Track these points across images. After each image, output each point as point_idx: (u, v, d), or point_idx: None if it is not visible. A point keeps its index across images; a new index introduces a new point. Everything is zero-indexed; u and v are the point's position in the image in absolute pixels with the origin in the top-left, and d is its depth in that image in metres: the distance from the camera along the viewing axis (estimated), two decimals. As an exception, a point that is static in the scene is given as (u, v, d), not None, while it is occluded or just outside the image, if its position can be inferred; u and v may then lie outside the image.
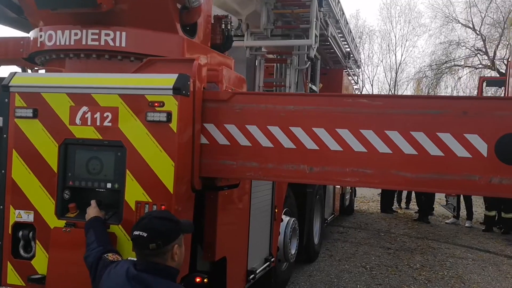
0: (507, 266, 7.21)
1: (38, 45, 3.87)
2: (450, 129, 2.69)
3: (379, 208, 12.58)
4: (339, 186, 9.52)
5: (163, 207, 2.78)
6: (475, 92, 16.00)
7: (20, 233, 3.06)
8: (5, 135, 3.07)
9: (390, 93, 30.11)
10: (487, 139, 2.64)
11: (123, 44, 3.60)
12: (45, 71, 3.98)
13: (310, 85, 7.45)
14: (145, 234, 2.16)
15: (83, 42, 3.65)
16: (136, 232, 2.18)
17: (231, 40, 4.54)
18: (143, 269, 2.17)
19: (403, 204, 13.33)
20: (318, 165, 2.90)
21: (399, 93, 30.23)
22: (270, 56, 7.43)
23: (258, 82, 6.78)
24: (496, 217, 10.20)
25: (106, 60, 3.68)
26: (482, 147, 2.65)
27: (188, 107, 2.92)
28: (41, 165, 3.00)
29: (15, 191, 3.03)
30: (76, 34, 3.67)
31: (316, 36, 6.44)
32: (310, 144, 2.89)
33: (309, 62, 7.11)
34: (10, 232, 3.06)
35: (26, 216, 2.99)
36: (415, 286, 5.97)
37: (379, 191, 13.12)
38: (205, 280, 2.93)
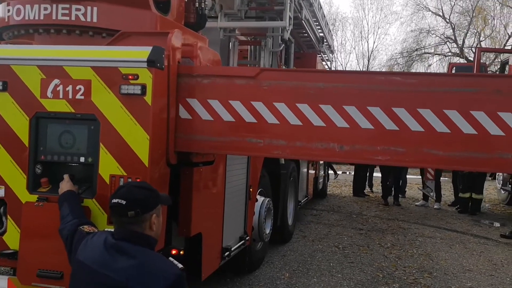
0: (473, 244, 7.46)
1: (6, 20, 3.77)
2: (483, 108, 2.69)
3: (352, 192, 12.79)
4: (313, 171, 9.63)
5: (138, 180, 2.77)
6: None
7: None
8: (-26, 109, 2.99)
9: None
10: None
11: (95, 20, 3.54)
12: (13, 46, 3.89)
13: (284, 68, 7.47)
14: (123, 202, 2.15)
15: (53, 17, 3.58)
16: (114, 200, 2.17)
17: (205, 19, 4.51)
18: (121, 237, 2.16)
19: (374, 189, 13.59)
20: (348, 143, 2.87)
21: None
22: (244, 38, 7.41)
23: (232, 64, 6.76)
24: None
25: (77, 36, 3.62)
26: None
27: (163, 81, 2.91)
28: (11, 139, 2.95)
29: (-15, 166, 2.96)
30: (45, 9, 3.60)
31: (290, 18, 6.44)
32: (340, 122, 2.86)
33: (283, 45, 7.11)
34: (-20, 208, 3.00)
35: (-2, 191, 2.94)
36: (385, 263, 6.12)
37: (351, 177, 13.36)
38: (181, 252, 2.94)
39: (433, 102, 2.76)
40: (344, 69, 34.30)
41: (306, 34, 8.67)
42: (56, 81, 2.89)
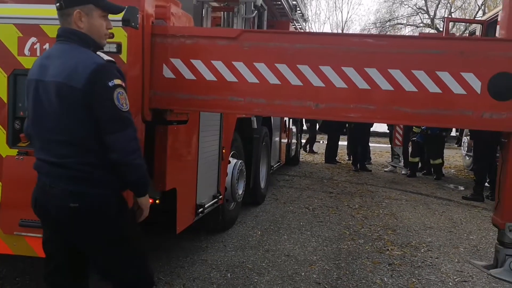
0: (435, 205, 7.87)
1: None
2: (448, 68, 2.85)
3: (324, 159, 13.13)
4: (285, 140, 9.86)
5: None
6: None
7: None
8: (-50, 66, 3.06)
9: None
10: (481, 78, 2.82)
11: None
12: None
13: (259, 33, 7.57)
14: None
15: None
16: None
17: (178, -17, 4.57)
18: (57, 34, 2.29)
19: (345, 156, 13.95)
20: (323, 101, 3.02)
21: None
22: (217, 4, 7.45)
23: (205, 30, 6.83)
24: (420, 164, 11.16)
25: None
26: (476, 84, 2.83)
27: (138, 40, 3.02)
28: (-10, 96, 3.04)
29: (-36, 122, 3.06)
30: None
31: (262, -16, 6.53)
32: (316, 82, 2.99)
33: (256, 12, 7.20)
34: (-41, 162, 3.11)
35: (-24, 146, 3.05)
36: (352, 222, 6.45)
37: (324, 146, 13.71)
38: (156, 202, 3.13)
39: (403, 63, 2.92)
40: (318, 39, 34.44)
41: (279, 2, 8.75)
42: (33, 39, 2.98)
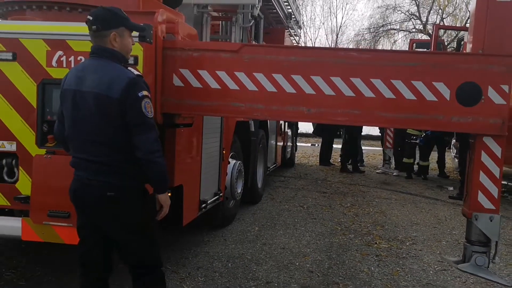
0: (423, 204, 8.32)
1: (2, -2, 4.21)
2: (422, 78, 3.27)
3: (318, 161, 13.56)
4: (281, 143, 10.29)
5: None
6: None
7: (4, 161, 3.52)
8: (-14, 76, 3.48)
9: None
10: (450, 86, 3.25)
11: (84, -2, 4.02)
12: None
13: (254, 42, 7.99)
14: (90, 18, 2.69)
15: (46, -5, 4.04)
16: (87, 17, 2.70)
17: (181, -2, 5.02)
18: (92, 51, 2.71)
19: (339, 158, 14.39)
20: (315, 107, 3.42)
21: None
22: (216, 14, 7.88)
23: (205, 38, 7.24)
24: (417, 166, 11.67)
25: (67, 13, 4.09)
26: (446, 92, 3.26)
27: (151, 53, 3.44)
28: (21, 102, 3.46)
29: (-2, 125, 3.48)
30: (39, -12, 4.05)
31: (259, -4, 6.96)
32: (308, 90, 3.39)
33: (253, 21, 7.62)
34: (-6, 160, 3.52)
35: (9, 146, 3.46)
36: (344, 219, 6.88)
37: (319, 149, 14.14)
38: (168, 194, 3.53)
39: (383, 74, 3.33)
40: (313, 43, 34.98)
41: (274, 11, 9.17)
42: (60, 52, 3.39)
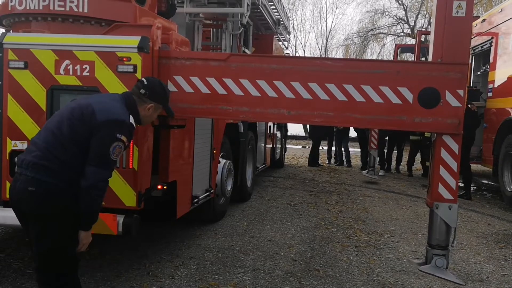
0: (404, 201, 8.77)
1: (9, 9, 4.58)
2: (388, 84, 3.68)
3: (307, 162, 14.01)
4: (270, 145, 10.70)
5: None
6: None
7: (16, 159, 3.90)
8: (0, 82, 3.87)
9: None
10: (413, 91, 3.65)
11: (85, 10, 4.40)
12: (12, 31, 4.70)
13: (243, 48, 8.38)
14: (145, 82, 3.09)
15: (51, 8, 4.40)
16: (143, 78, 3.19)
17: (175, 8, 5.45)
18: (122, 95, 3.05)
19: (326, 160, 14.86)
20: (294, 109, 3.81)
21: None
22: (207, 21, 8.29)
23: (196, 44, 7.64)
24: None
25: (70, 23, 4.48)
26: (409, 96, 3.65)
27: (149, 62, 3.85)
28: (32, 105, 3.85)
29: (11, 126, 3.87)
30: (44, 0, 4.42)
31: (248, 5, 7.35)
32: (288, 94, 3.79)
33: (242, 28, 8.00)
34: (7, 158, 3.91)
35: (21, 145, 3.84)
36: (328, 215, 7.31)
37: (308, 151, 14.59)
38: (164, 188, 3.96)
39: (354, 80, 3.73)
40: (303, 47, 35.55)
41: (263, 18, 9.58)
42: (67, 61, 3.79)
